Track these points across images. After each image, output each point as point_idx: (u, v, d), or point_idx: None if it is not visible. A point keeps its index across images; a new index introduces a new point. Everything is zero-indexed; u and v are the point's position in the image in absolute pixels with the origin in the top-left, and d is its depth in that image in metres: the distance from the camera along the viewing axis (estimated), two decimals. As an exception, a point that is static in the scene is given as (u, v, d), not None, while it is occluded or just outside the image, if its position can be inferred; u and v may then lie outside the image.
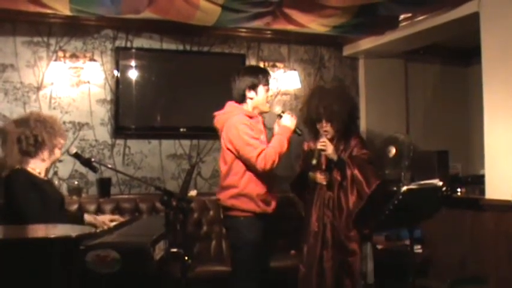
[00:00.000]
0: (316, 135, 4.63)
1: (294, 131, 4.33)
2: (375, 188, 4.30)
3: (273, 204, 4.40)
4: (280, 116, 4.37)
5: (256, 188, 4.28)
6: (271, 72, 6.29)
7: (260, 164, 4.14)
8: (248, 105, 4.37)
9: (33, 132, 3.76)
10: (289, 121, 4.31)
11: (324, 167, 4.56)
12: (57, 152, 3.94)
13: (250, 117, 4.33)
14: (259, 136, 4.30)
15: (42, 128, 3.80)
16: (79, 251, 3.06)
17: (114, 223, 4.06)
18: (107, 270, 3.10)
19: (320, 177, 4.52)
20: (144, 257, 3.20)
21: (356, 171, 4.31)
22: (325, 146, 4.37)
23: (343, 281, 4.39)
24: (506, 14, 4.91)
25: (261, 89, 4.35)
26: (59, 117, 5.75)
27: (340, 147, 4.50)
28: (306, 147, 4.75)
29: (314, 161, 4.40)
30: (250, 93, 4.35)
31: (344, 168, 4.37)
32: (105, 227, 3.97)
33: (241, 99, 4.39)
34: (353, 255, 4.36)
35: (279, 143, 4.22)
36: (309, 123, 4.61)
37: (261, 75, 4.40)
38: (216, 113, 4.48)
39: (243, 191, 4.28)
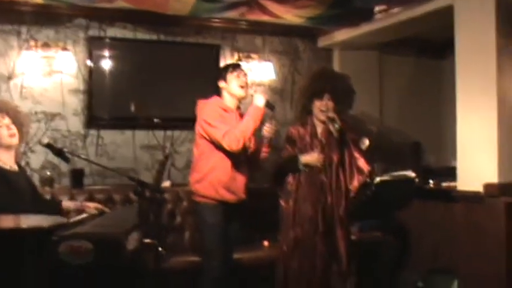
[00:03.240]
0: (306, 118, 4.56)
1: (267, 106, 4.44)
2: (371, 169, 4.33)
3: (239, 192, 4.55)
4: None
5: (220, 174, 4.45)
6: (245, 63, 6.35)
7: (226, 143, 4.31)
8: (225, 96, 4.58)
9: None
10: (258, 99, 4.44)
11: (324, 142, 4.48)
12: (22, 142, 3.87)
13: (226, 111, 4.51)
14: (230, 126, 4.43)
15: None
16: (51, 242, 3.04)
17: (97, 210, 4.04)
18: (79, 261, 3.08)
19: (318, 158, 4.45)
20: (117, 247, 3.18)
21: (356, 152, 4.31)
22: (335, 116, 4.33)
23: (332, 267, 4.37)
24: (480, 7, 4.94)
25: (229, 76, 4.53)
26: (31, 108, 5.73)
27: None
28: (293, 130, 4.64)
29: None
30: (222, 84, 4.56)
31: (343, 147, 4.34)
32: (85, 211, 3.99)
33: (219, 93, 4.59)
34: (341, 240, 4.34)
35: (245, 122, 4.37)
36: (309, 96, 4.54)
37: (227, 65, 4.72)
38: (199, 101, 4.64)
39: (206, 177, 4.47)
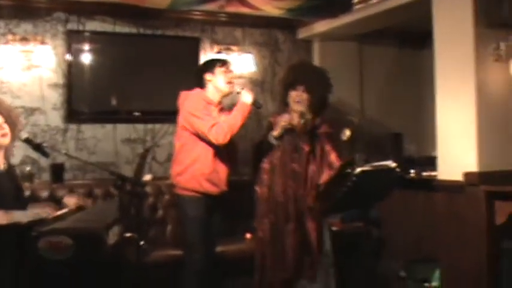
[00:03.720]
0: (285, 107, 4.58)
1: (253, 104, 4.47)
2: (344, 163, 4.32)
3: (221, 184, 4.58)
4: (239, 94, 4.53)
5: (203, 166, 4.46)
6: (225, 55, 6.34)
7: (212, 136, 4.31)
8: (209, 89, 4.57)
9: None
10: (247, 97, 4.45)
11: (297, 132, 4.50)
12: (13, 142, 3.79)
13: (208, 103, 4.52)
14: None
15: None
16: (31, 238, 3.03)
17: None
18: (59, 256, 3.08)
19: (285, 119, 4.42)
20: (97, 242, 3.18)
21: (327, 146, 4.32)
22: (306, 112, 4.36)
23: (303, 257, 4.39)
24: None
25: (218, 70, 4.55)
26: (10, 102, 5.67)
27: (313, 125, 4.49)
28: (272, 120, 4.65)
29: (302, 121, 4.37)
30: (208, 76, 4.56)
31: (314, 139, 4.36)
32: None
33: (202, 84, 4.58)
34: (312, 232, 4.36)
35: (233, 117, 4.39)
36: (285, 87, 4.57)
37: (217, 60, 4.71)
38: (181, 92, 4.64)
39: (188, 169, 4.48)
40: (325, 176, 4.31)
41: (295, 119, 4.38)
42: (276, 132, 4.37)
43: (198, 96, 4.53)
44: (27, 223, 2.98)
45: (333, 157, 4.31)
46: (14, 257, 3.05)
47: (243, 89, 4.56)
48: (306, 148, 4.37)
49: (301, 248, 4.34)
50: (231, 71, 4.65)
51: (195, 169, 4.46)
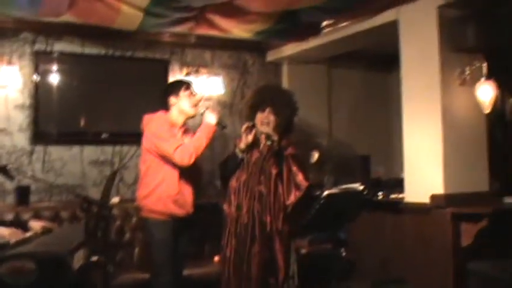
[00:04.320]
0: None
1: (218, 125, 4.48)
2: (311, 184, 4.33)
3: (188, 206, 4.55)
4: (203, 115, 4.53)
5: (169, 188, 4.44)
6: (194, 78, 6.35)
7: (177, 158, 4.31)
8: (173, 112, 4.55)
9: None
10: (211, 117, 4.46)
11: (257, 154, 4.51)
12: None
13: (172, 126, 4.52)
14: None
15: None
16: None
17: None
18: (22, 281, 3.04)
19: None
20: (61, 266, 3.14)
21: (294, 167, 4.30)
22: (272, 133, 4.36)
23: (268, 279, 4.37)
24: (423, 22, 5.07)
25: (182, 94, 4.53)
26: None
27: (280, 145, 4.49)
28: (238, 141, 4.66)
29: (269, 142, 4.37)
30: (172, 100, 4.54)
31: (281, 161, 4.37)
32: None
33: (167, 107, 4.56)
34: (279, 254, 4.35)
35: (197, 138, 4.40)
36: (252, 110, 4.58)
37: (181, 82, 4.68)
38: (145, 116, 4.62)
39: (154, 192, 4.46)
40: (292, 197, 4.30)
41: (262, 141, 4.39)
42: (242, 144, 4.38)
43: (161, 118, 4.52)
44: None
45: (300, 178, 4.30)
46: None
47: (207, 109, 4.55)
48: (274, 171, 4.37)
49: (267, 270, 4.32)
50: (195, 94, 4.63)
51: (161, 191, 4.44)
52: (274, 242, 4.31)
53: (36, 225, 4.08)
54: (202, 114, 4.53)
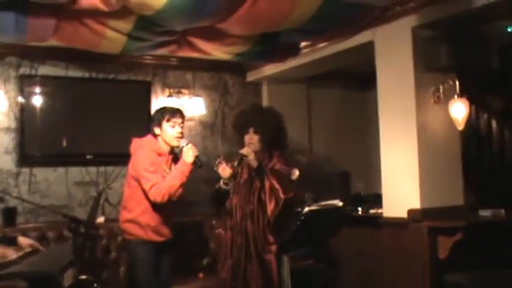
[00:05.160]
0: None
1: (194, 163, 4.49)
2: (290, 197, 4.45)
3: (166, 234, 4.63)
4: (183, 149, 4.55)
5: (149, 219, 4.52)
6: (176, 99, 6.46)
7: (152, 196, 4.39)
8: (159, 141, 4.59)
9: None
10: (188, 156, 4.47)
11: (245, 175, 4.65)
12: None
13: (159, 154, 4.55)
14: (161, 172, 4.51)
15: None
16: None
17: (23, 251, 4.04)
18: (14, 300, 3.11)
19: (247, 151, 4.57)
20: (52, 285, 3.22)
21: (274, 181, 4.43)
22: (248, 152, 4.51)
23: None
24: (398, 43, 5.24)
25: (165, 125, 4.55)
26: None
27: (264, 161, 4.62)
28: (218, 164, 4.78)
29: (236, 163, 4.55)
30: (156, 130, 4.58)
31: (263, 176, 4.48)
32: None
33: (155, 136, 4.60)
34: (270, 266, 4.44)
35: (172, 178, 4.44)
36: (238, 131, 4.75)
37: (165, 112, 4.62)
38: (134, 139, 4.66)
39: (136, 219, 4.53)
40: (270, 208, 4.44)
41: (251, 158, 4.53)
42: (224, 177, 4.54)
43: (148, 148, 4.54)
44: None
45: (278, 192, 4.44)
46: None
47: (187, 144, 4.53)
48: (258, 184, 4.52)
49: (262, 282, 4.45)
50: (180, 124, 4.61)
51: (142, 220, 4.51)
52: (266, 254, 4.44)
53: (24, 241, 4.16)
54: (182, 148, 4.54)
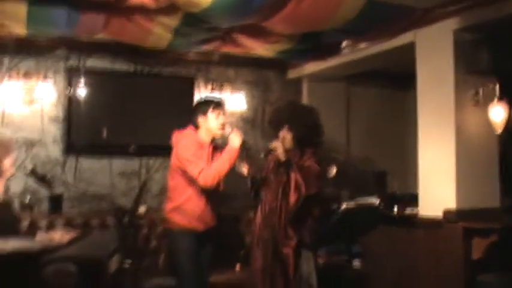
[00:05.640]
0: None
1: (242, 147, 4.63)
2: (312, 193, 4.50)
3: (210, 222, 4.73)
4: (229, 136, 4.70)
5: (194, 206, 4.62)
6: (218, 94, 6.58)
7: (201, 181, 4.47)
8: (201, 131, 4.70)
9: None
10: (235, 141, 4.61)
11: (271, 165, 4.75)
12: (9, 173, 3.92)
13: (201, 145, 4.66)
14: (205, 160, 4.61)
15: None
16: (38, 264, 3.22)
17: (67, 237, 4.19)
18: (64, 282, 3.27)
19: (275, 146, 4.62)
20: (100, 269, 3.38)
21: (299, 176, 4.46)
22: (277, 146, 4.60)
23: (281, 285, 4.56)
24: (439, 45, 5.27)
25: (210, 115, 4.67)
26: (12, 135, 5.91)
27: (295, 157, 4.70)
28: (270, 157, 4.90)
29: (262, 155, 4.66)
30: (201, 119, 4.68)
31: (289, 170, 4.53)
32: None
33: (196, 126, 4.70)
34: (287, 260, 4.48)
35: (221, 162, 4.54)
36: (273, 127, 4.84)
37: (210, 102, 4.76)
38: (175, 132, 4.77)
39: (180, 207, 4.62)
40: (291, 202, 4.51)
41: (280, 152, 4.62)
42: (262, 154, 4.66)
43: (190, 138, 4.68)
44: (38, 250, 3.17)
45: (301, 188, 4.50)
46: (22, 282, 3.22)
47: (233, 130, 4.69)
48: (284, 178, 4.59)
49: (278, 275, 4.54)
50: (223, 114, 4.77)
51: (187, 208, 4.63)
52: (285, 248, 4.49)
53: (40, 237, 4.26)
54: (228, 135, 4.68)
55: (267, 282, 4.52)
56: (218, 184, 4.61)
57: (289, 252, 4.46)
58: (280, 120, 4.74)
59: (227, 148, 4.62)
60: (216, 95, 6.70)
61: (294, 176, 4.46)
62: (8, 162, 3.88)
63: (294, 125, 4.66)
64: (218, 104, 4.75)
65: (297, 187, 4.44)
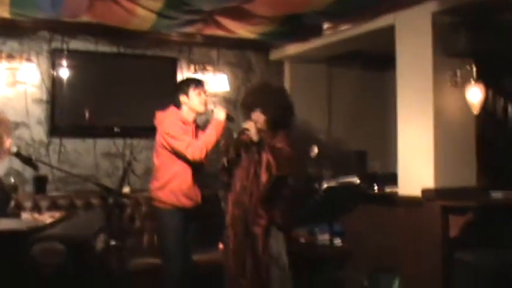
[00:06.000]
0: None
1: (227, 118, 4.82)
2: (283, 174, 4.59)
3: (196, 199, 4.90)
4: (212, 112, 4.88)
5: (180, 183, 4.78)
6: (201, 75, 6.65)
7: (189, 154, 4.64)
8: (183, 109, 4.86)
9: None
10: (220, 113, 4.80)
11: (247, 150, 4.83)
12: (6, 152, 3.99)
13: (184, 123, 4.81)
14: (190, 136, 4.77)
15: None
16: (27, 244, 3.30)
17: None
18: (52, 261, 3.34)
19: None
20: (87, 248, 3.46)
21: (270, 157, 4.55)
22: (250, 126, 4.67)
23: (251, 263, 4.66)
24: (418, 28, 5.37)
25: (191, 93, 4.83)
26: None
27: (268, 138, 4.76)
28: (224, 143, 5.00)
29: (235, 135, 4.77)
30: (182, 98, 4.84)
31: (261, 150, 4.60)
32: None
33: (178, 105, 4.85)
34: (256, 239, 4.58)
35: (208, 134, 4.73)
36: (246, 110, 4.92)
37: (190, 81, 4.96)
38: (157, 113, 4.90)
39: (167, 185, 4.78)
40: (262, 182, 4.57)
41: (253, 132, 4.68)
42: (235, 134, 4.78)
43: (174, 116, 4.83)
44: (27, 229, 3.24)
45: (273, 170, 4.59)
46: (10, 261, 3.29)
47: (215, 106, 4.91)
48: (256, 158, 4.67)
49: (247, 255, 4.62)
50: (204, 92, 4.94)
51: (173, 185, 4.77)
52: (255, 227, 4.60)
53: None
54: (212, 111, 4.87)
55: (237, 261, 4.63)
56: (205, 158, 4.73)
57: (259, 231, 4.58)
58: (252, 102, 4.83)
59: (213, 120, 4.78)
60: (198, 76, 6.77)
61: (266, 156, 4.55)
62: (8, 141, 3.95)
63: (266, 107, 4.74)
64: (199, 83, 4.93)
65: (268, 167, 4.54)
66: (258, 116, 4.76)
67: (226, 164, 4.82)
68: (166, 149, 4.76)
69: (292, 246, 4.85)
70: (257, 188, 4.60)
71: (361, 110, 7.95)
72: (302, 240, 6.16)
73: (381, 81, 7.86)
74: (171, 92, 4.97)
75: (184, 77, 6.30)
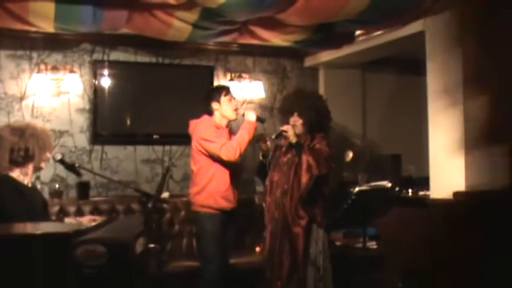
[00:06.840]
0: None
1: (258, 120, 5.00)
2: (323, 173, 4.66)
3: (233, 201, 5.06)
4: (244, 116, 5.06)
5: (218, 185, 4.96)
6: (237, 83, 6.81)
7: (224, 154, 4.82)
8: (216, 116, 5.06)
9: (26, 145, 3.90)
10: (251, 115, 5.00)
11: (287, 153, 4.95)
12: (43, 165, 4.12)
13: (217, 128, 5.00)
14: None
15: (35, 142, 3.95)
16: (71, 246, 3.47)
17: (94, 223, 4.44)
18: (94, 262, 3.51)
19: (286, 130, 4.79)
20: (127, 250, 3.62)
21: (310, 157, 4.64)
22: (288, 128, 4.78)
23: (287, 264, 4.75)
24: (446, 33, 5.43)
25: (223, 99, 5.05)
26: (41, 125, 6.17)
27: (306, 141, 4.82)
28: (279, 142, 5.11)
29: (273, 136, 4.89)
30: (214, 105, 5.05)
31: (301, 152, 4.69)
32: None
33: (211, 112, 5.05)
34: (297, 239, 4.65)
35: (241, 135, 4.89)
36: (284, 115, 5.06)
37: (221, 88, 5.18)
38: (191, 121, 5.11)
39: (205, 188, 4.96)
40: (303, 183, 4.67)
41: (290, 134, 4.81)
42: (273, 136, 4.89)
43: (207, 123, 5.03)
44: (72, 232, 3.41)
45: (312, 169, 4.69)
46: (56, 263, 3.45)
47: (246, 110, 5.10)
48: (295, 160, 4.78)
49: (286, 254, 4.70)
50: (235, 98, 5.16)
51: (211, 188, 4.95)
52: (295, 227, 4.69)
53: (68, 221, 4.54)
54: (242, 115, 5.04)
55: (274, 263, 4.74)
56: (238, 163, 4.95)
57: (300, 231, 4.67)
58: (289, 107, 4.97)
59: (244, 122, 4.97)
60: (235, 84, 6.94)
61: (306, 157, 4.65)
62: (47, 155, 4.10)
63: (303, 110, 4.87)
64: (228, 90, 5.11)
65: (308, 168, 4.64)
66: (296, 120, 4.89)
67: (261, 158, 4.97)
68: (203, 153, 4.93)
69: (329, 248, 4.93)
70: (298, 190, 4.70)
71: (396, 114, 8.02)
72: (337, 243, 6.24)
73: (414, 84, 7.85)
74: (203, 101, 5.14)
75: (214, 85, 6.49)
